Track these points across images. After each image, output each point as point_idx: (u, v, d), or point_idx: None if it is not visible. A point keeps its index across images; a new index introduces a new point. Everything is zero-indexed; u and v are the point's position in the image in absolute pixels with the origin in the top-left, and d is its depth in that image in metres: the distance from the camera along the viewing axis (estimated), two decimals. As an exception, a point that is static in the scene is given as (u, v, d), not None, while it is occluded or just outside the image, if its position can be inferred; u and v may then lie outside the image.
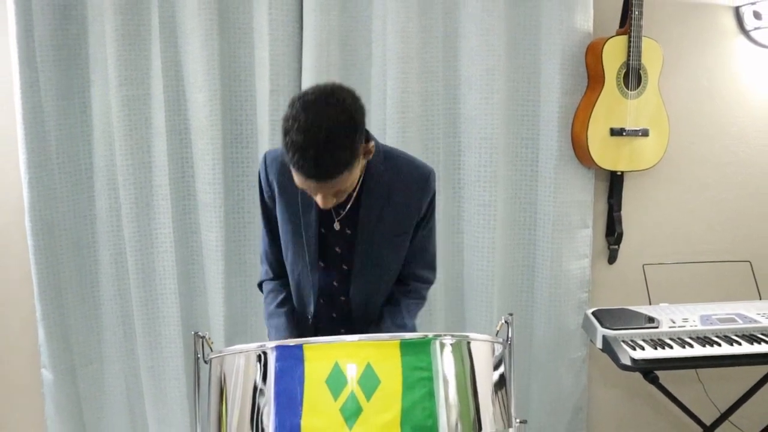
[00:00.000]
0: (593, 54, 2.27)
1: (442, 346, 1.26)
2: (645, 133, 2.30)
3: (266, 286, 1.75)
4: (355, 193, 1.56)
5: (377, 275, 1.63)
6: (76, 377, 2.40)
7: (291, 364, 1.20)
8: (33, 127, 2.20)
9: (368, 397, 1.17)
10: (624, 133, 2.28)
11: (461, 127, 2.34)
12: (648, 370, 2.05)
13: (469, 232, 2.37)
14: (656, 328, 2.13)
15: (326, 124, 1.31)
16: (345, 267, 1.62)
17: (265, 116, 2.24)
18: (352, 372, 1.19)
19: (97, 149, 2.30)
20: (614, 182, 2.45)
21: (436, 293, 2.34)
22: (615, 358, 2.05)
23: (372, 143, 1.47)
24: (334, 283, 1.65)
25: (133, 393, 2.45)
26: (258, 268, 1.89)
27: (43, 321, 2.31)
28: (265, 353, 1.26)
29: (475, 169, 2.32)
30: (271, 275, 1.74)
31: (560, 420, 2.53)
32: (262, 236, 1.74)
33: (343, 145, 1.33)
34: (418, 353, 1.22)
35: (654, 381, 2.07)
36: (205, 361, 1.43)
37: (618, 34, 2.27)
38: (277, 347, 1.23)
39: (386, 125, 2.26)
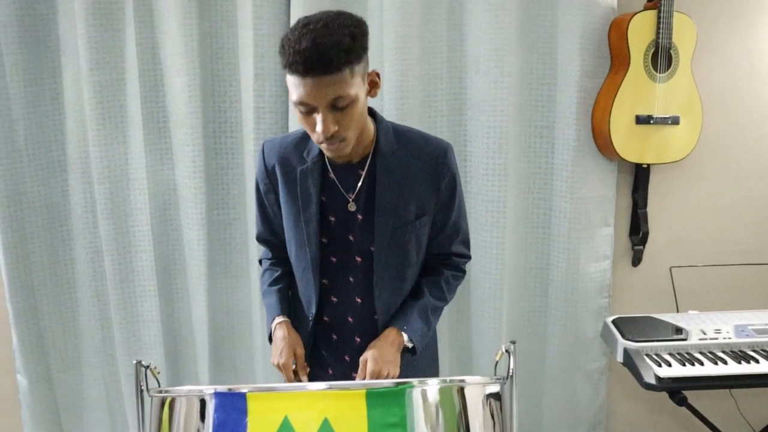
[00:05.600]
0: (617, 31, 2.09)
1: (424, 393, 1.05)
2: (675, 121, 2.12)
3: (264, 264, 1.65)
4: (364, 172, 1.42)
5: (400, 266, 1.47)
6: (53, 383, 2.30)
7: (232, 416, 1.01)
8: (-1, 115, 2.06)
9: None
10: (651, 121, 2.10)
11: (467, 114, 2.15)
12: (675, 389, 1.85)
13: (475, 231, 2.18)
14: (684, 340, 1.96)
15: (325, 18, 1.24)
16: (359, 259, 1.46)
17: (249, 102, 2.06)
18: (306, 428, 0.99)
19: (70, 140, 2.16)
20: (639, 176, 2.26)
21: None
22: (637, 375, 1.86)
23: (377, 72, 1.35)
24: (350, 279, 1.48)
25: (114, 399, 2.33)
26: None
27: (16, 324, 2.20)
28: (203, 400, 1.07)
29: (482, 161, 2.14)
30: (269, 255, 1.64)
31: (575, 436, 2.33)
32: (256, 222, 1.61)
33: (342, 32, 1.23)
34: (389, 405, 1.02)
35: (682, 402, 1.87)
36: (150, 395, 1.25)
37: (646, 8, 2.08)
38: (216, 394, 1.03)
39: (383, 112, 2.06)
